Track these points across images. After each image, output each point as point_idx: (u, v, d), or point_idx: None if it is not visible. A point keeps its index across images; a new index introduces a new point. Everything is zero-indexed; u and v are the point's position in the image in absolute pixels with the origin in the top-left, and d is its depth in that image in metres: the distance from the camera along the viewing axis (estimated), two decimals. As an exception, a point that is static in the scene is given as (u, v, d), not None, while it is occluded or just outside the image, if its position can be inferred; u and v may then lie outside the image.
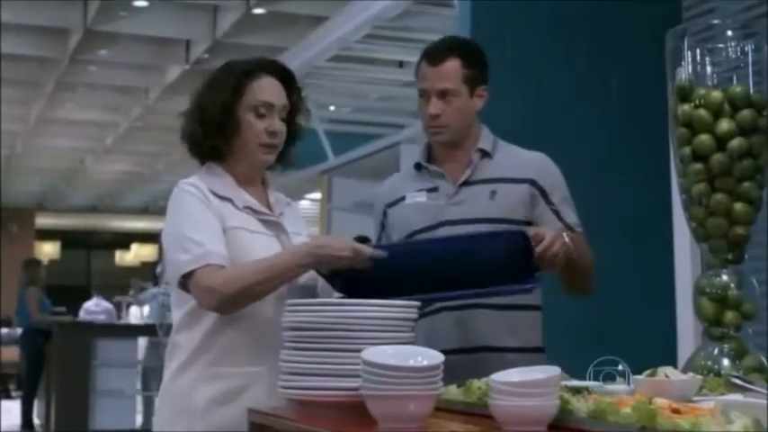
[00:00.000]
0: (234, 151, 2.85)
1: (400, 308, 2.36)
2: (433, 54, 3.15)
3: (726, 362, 2.56)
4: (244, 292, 2.63)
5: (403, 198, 3.23)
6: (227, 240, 2.71)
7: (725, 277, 2.62)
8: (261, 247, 2.74)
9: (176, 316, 2.81)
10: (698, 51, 2.66)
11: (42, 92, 13.57)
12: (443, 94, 3.12)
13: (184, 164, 17.94)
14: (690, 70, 2.66)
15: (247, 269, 2.65)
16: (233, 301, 2.64)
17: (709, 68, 2.66)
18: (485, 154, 3.21)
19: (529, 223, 3.11)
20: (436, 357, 2.08)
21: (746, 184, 2.58)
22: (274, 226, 2.86)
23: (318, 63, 8.93)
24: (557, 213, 3.18)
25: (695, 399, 2.05)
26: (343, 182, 9.34)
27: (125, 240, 25.36)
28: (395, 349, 2.12)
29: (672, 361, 2.61)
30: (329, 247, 2.63)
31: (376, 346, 2.12)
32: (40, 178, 20.82)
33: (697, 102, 2.60)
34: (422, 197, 3.20)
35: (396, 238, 3.22)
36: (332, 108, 11.29)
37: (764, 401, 1.73)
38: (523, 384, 1.91)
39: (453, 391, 2.33)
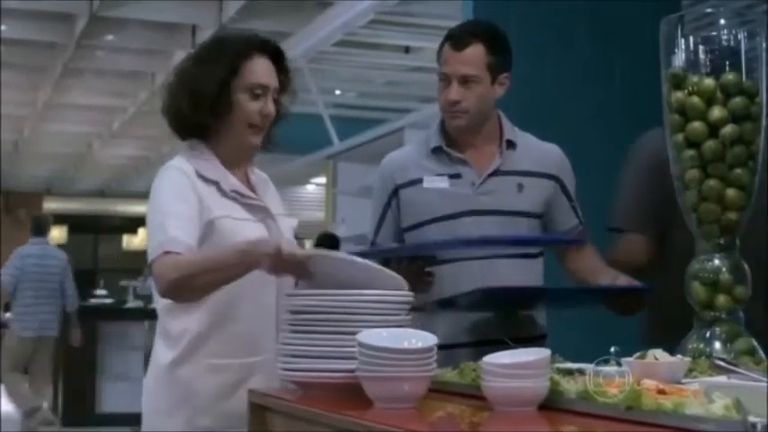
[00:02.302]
0: (221, 130, 2.82)
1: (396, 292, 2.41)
2: (457, 38, 3.11)
3: (717, 345, 2.61)
4: (182, 281, 2.57)
5: (419, 180, 3.17)
6: (213, 231, 2.70)
7: (717, 262, 2.66)
8: (248, 235, 2.71)
9: (163, 302, 2.77)
10: (691, 39, 2.69)
11: (49, 77, 13.59)
12: (465, 80, 3.09)
13: (191, 148, 17.93)
14: (683, 58, 2.69)
15: (191, 259, 2.59)
16: (174, 288, 2.59)
17: (702, 56, 2.69)
18: (509, 144, 3.21)
19: (542, 216, 3.22)
20: (430, 339, 2.13)
21: (738, 171, 2.62)
22: (260, 211, 2.84)
23: (323, 48, 8.97)
24: (574, 209, 3.29)
25: (684, 381, 2.10)
26: (349, 166, 9.40)
27: (132, 225, 25.36)
28: (390, 332, 2.16)
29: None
30: (259, 247, 2.52)
31: (371, 329, 2.17)
32: (48, 163, 20.86)
33: (690, 89, 2.64)
34: (443, 183, 3.15)
35: (410, 222, 3.19)
36: (337, 93, 11.33)
37: (746, 383, 1.77)
38: (514, 366, 1.96)
39: (448, 373, 2.39)
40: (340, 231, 9.85)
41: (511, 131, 3.24)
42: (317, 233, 9.50)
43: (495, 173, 3.17)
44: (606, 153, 5.28)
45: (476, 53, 3.09)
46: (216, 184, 2.77)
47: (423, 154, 3.23)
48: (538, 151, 3.26)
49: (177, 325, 2.76)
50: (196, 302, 2.69)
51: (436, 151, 3.20)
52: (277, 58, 2.87)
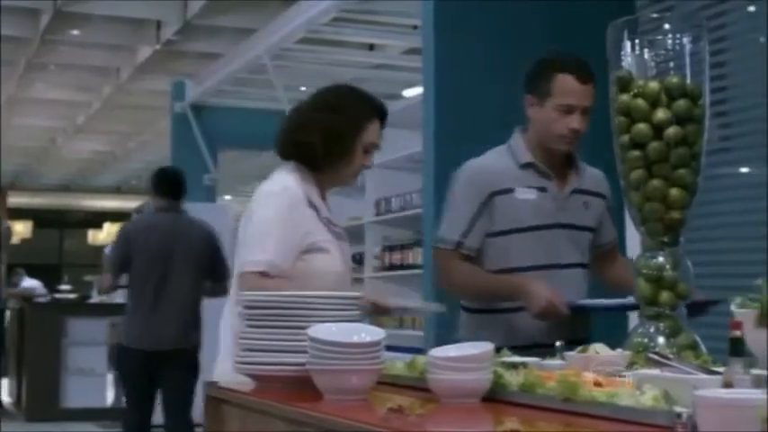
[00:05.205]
0: (331, 169, 3.18)
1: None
2: (582, 72, 3.34)
3: (661, 339, 2.69)
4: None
5: (511, 190, 3.39)
6: (316, 250, 3.06)
7: (661, 259, 2.75)
8: (332, 263, 3.10)
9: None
10: (638, 43, 2.77)
11: (13, 71, 13.57)
12: (586, 111, 3.35)
13: (155, 143, 17.94)
14: (630, 61, 2.77)
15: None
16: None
17: (648, 60, 2.78)
18: (580, 167, 3.50)
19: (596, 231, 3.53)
20: (377, 334, 2.20)
21: (682, 171, 2.70)
22: (340, 236, 3.22)
23: (287, 45, 9.01)
24: (614, 224, 3.61)
25: (625, 373, 2.18)
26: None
27: (97, 219, 25.32)
28: (339, 326, 2.23)
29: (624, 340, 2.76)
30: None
31: (322, 324, 2.24)
32: (12, 157, 20.76)
33: (635, 91, 2.72)
34: (533, 195, 3.39)
35: (497, 228, 3.39)
36: (303, 89, 11.37)
37: (675, 375, 1.86)
38: (457, 359, 2.03)
39: (398, 366, 2.46)
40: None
41: (577, 156, 3.52)
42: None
43: (574, 191, 3.44)
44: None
45: (592, 87, 3.35)
46: (316, 210, 3.13)
47: (511, 166, 3.44)
48: (592, 174, 3.55)
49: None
50: None
51: (525, 166, 3.43)
52: (383, 119, 3.27)
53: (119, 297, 8.33)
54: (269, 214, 3.04)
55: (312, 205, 3.10)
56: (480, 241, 3.40)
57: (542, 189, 3.40)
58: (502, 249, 3.39)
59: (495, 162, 3.48)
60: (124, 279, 6.26)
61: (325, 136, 3.13)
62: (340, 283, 3.06)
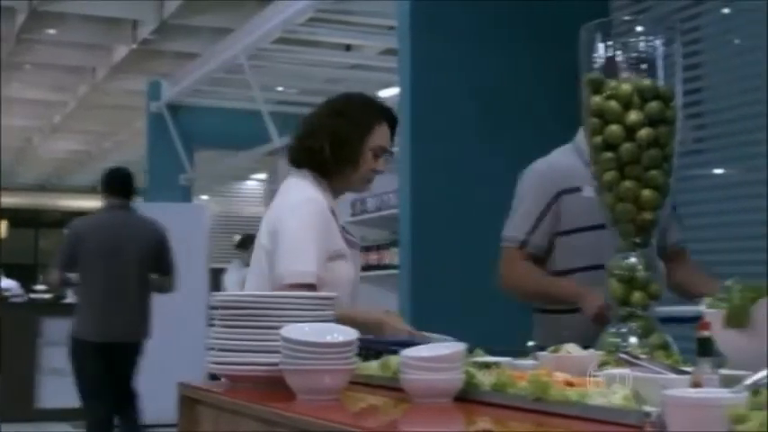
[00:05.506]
0: (341, 175, 3.21)
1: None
2: None
3: (633, 339, 2.71)
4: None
5: (579, 188, 3.35)
6: (340, 257, 3.12)
7: (633, 259, 2.77)
8: (348, 270, 3.16)
9: None
10: (610, 45, 2.79)
11: (-11, 70, 13.52)
12: None
13: (131, 143, 17.87)
14: (602, 63, 2.79)
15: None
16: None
17: (620, 61, 2.79)
18: None
19: None
20: (350, 334, 2.20)
21: (654, 172, 2.72)
22: (353, 245, 3.28)
23: (264, 45, 9.01)
24: (678, 221, 3.59)
25: (597, 373, 2.19)
26: (289, 163, 9.40)
27: (73, 219, 25.26)
28: (312, 326, 2.24)
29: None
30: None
31: (295, 324, 2.24)
32: (-13, 156, 20.70)
33: (608, 93, 2.74)
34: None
35: (565, 227, 3.38)
36: (279, 89, 11.38)
37: (645, 375, 1.87)
38: (430, 359, 2.04)
39: (372, 366, 2.46)
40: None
41: None
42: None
43: None
44: (538, 155, 5.41)
45: None
46: (335, 217, 3.19)
47: (578, 164, 3.37)
48: None
49: None
50: None
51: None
52: (393, 123, 3.30)
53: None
54: (302, 225, 3.07)
55: (332, 212, 3.17)
56: (546, 240, 3.40)
57: None
58: (568, 248, 3.39)
59: (561, 160, 3.47)
60: (75, 276, 6.40)
61: (332, 141, 3.16)
62: (353, 291, 3.12)
